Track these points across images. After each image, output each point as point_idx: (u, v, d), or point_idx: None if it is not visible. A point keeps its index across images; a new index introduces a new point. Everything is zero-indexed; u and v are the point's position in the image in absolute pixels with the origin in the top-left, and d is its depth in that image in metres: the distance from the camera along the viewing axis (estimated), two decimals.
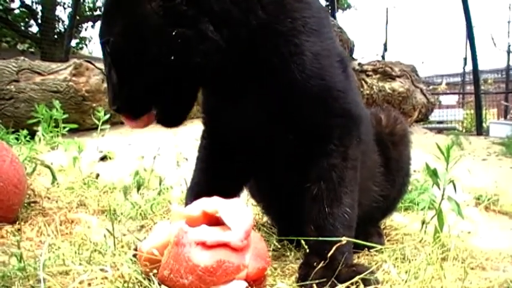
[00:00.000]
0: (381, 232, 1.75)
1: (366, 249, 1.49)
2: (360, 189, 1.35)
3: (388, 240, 1.75)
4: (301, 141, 1.31)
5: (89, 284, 1.08)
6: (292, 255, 1.43)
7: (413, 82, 7.01)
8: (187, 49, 1.14)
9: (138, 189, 2.27)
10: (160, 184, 2.31)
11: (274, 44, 1.21)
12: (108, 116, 3.49)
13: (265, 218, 1.88)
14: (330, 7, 9.47)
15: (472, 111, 11.08)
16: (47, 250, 1.25)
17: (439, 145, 1.70)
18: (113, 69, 1.20)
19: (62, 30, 12.05)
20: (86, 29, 14.09)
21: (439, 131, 9.26)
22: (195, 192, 1.43)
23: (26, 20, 13.22)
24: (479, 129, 8.69)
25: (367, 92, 6.29)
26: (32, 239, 1.52)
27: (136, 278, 1.09)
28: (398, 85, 6.70)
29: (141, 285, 1.09)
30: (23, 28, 12.90)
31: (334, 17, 8.48)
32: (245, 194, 1.72)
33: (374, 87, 6.41)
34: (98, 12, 13.24)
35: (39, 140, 3.29)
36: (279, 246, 1.53)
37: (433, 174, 1.68)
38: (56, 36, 11.17)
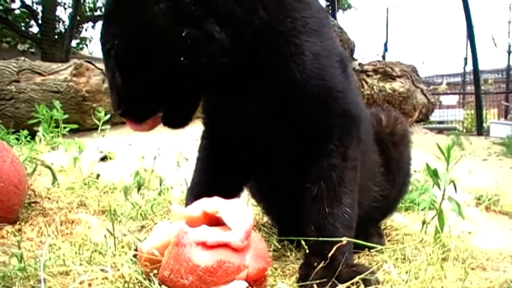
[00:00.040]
0: (381, 232, 1.75)
1: (367, 249, 1.49)
2: (360, 189, 1.35)
3: (388, 241, 1.75)
4: (301, 141, 1.31)
5: (90, 285, 1.08)
6: (292, 256, 1.43)
7: (414, 82, 7.01)
8: (195, 50, 1.13)
9: (139, 189, 2.27)
10: (160, 184, 2.31)
11: (275, 43, 1.21)
12: (108, 116, 3.49)
13: (265, 218, 1.88)
14: (330, 7, 9.48)
15: (473, 112, 11.08)
16: (47, 250, 1.25)
17: (440, 145, 1.70)
18: (118, 73, 1.18)
19: (63, 30, 12.06)
20: (86, 30, 14.12)
21: (440, 131, 9.26)
22: (195, 192, 1.43)
23: (27, 20, 13.23)
24: (480, 129, 8.69)
25: (368, 92, 6.29)
26: (32, 239, 1.52)
27: (137, 279, 1.09)
28: (398, 85, 6.70)
29: (141, 286, 1.09)
30: (23, 28, 12.91)
31: (335, 17, 8.49)
32: (245, 194, 1.72)
33: (374, 87, 6.41)
34: (98, 13, 13.25)
35: (40, 140, 3.29)
36: (280, 247, 1.53)
37: (434, 174, 1.68)
38: (56, 37, 11.18)
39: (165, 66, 1.14)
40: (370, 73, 6.55)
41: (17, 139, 3.31)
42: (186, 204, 1.42)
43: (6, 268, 1.16)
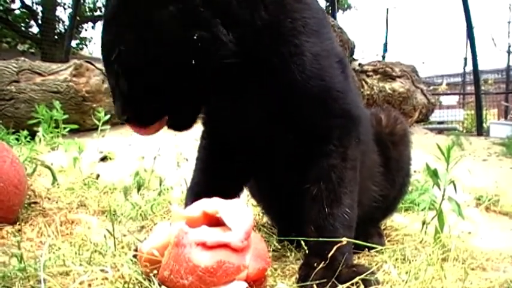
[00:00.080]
0: (381, 233, 1.75)
1: (367, 249, 1.49)
2: (360, 188, 1.36)
3: (388, 241, 1.75)
4: (301, 141, 1.31)
5: (89, 285, 1.08)
6: (292, 256, 1.43)
7: (414, 82, 7.02)
8: (206, 52, 1.12)
9: (139, 189, 2.27)
10: (160, 185, 2.31)
11: (275, 44, 1.21)
12: (108, 116, 3.49)
13: (265, 219, 1.88)
14: (330, 7, 9.48)
15: (473, 112, 11.08)
16: (47, 251, 1.25)
17: (440, 145, 1.70)
18: (123, 78, 1.16)
19: (62, 30, 12.07)
20: (86, 30, 14.13)
21: (440, 131, 9.26)
22: (195, 192, 1.43)
23: (27, 20, 13.23)
24: (480, 129, 8.69)
25: (368, 92, 6.29)
26: (32, 239, 1.52)
27: (137, 279, 1.09)
28: (398, 85, 6.70)
29: (141, 286, 1.08)
30: (23, 29, 12.91)
31: (335, 18, 8.48)
32: (245, 194, 1.72)
33: (374, 87, 6.41)
34: (98, 13, 13.25)
35: (40, 140, 3.29)
36: (279, 247, 1.53)
37: (434, 174, 1.68)
38: (56, 37, 11.18)
39: (175, 70, 1.12)
40: (370, 73, 6.56)
41: (17, 139, 3.31)
42: (186, 205, 1.42)
43: (6, 268, 1.16)
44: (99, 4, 13.33)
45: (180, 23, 1.10)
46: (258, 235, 1.19)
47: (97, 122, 3.50)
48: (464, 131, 10.83)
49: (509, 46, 14.88)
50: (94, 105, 4.44)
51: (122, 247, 1.41)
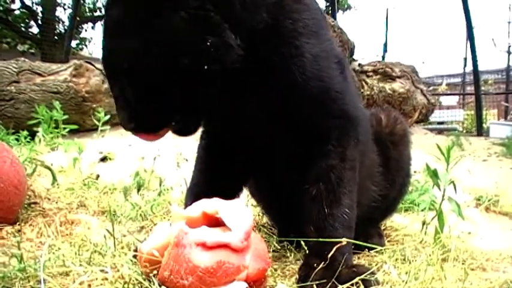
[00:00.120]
0: (381, 233, 1.75)
1: (366, 250, 1.49)
2: (359, 188, 1.36)
3: (388, 241, 1.75)
4: (300, 141, 1.31)
5: (89, 285, 1.08)
6: (292, 256, 1.43)
7: (414, 83, 7.02)
8: (218, 58, 1.11)
9: (138, 190, 2.27)
10: (160, 185, 2.31)
11: (276, 45, 1.21)
12: (108, 117, 3.50)
13: (265, 219, 1.88)
14: (330, 8, 9.49)
15: (473, 112, 11.09)
16: (47, 251, 1.25)
17: (440, 146, 1.70)
18: (129, 87, 1.13)
19: (62, 31, 12.07)
20: (86, 30, 14.15)
21: (440, 131, 9.26)
22: (195, 193, 1.43)
23: (26, 21, 13.24)
24: (480, 129, 8.70)
25: (368, 92, 6.30)
26: (32, 239, 1.52)
27: (137, 279, 1.09)
28: (398, 86, 6.70)
29: (141, 286, 1.08)
30: (23, 29, 12.92)
31: (335, 18, 8.49)
32: (245, 194, 1.72)
33: (374, 87, 6.41)
34: (98, 13, 13.26)
35: (40, 141, 3.30)
36: (279, 247, 1.53)
37: (434, 175, 1.68)
38: (56, 37, 11.18)
39: (186, 77, 1.10)
40: (370, 74, 6.56)
41: (17, 140, 3.31)
42: (185, 205, 1.42)
43: (6, 269, 1.16)
44: (99, 4, 13.35)
45: (192, 29, 1.08)
46: (258, 235, 1.19)
47: (97, 123, 3.50)
48: (464, 131, 10.83)
49: (509, 46, 14.89)
50: (94, 105, 4.44)
51: (122, 247, 1.41)
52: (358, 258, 1.49)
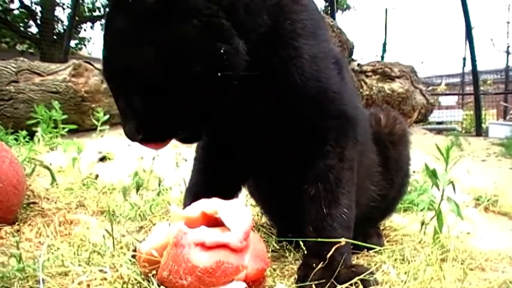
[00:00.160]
0: (380, 233, 1.75)
1: (366, 250, 1.49)
2: (358, 188, 1.36)
3: (387, 241, 1.75)
4: (300, 141, 1.31)
5: (88, 285, 1.08)
6: (291, 256, 1.43)
7: (413, 83, 7.01)
8: (229, 65, 1.10)
9: (137, 190, 2.27)
10: (159, 185, 2.31)
11: (275, 46, 1.21)
12: (107, 116, 3.50)
13: (264, 219, 1.88)
14: (329, 8, 9.49)
15: (472, 112, 11.08)
16: (46, 251, 1.25)
17: (439, 146, 1.70)
18: (137, 98, 1.10)
19: (61, 30, 12.07)
20: (85, 30, 14.16)
21: (439, 131, 9.26)
22: (193, 192, 1.43)
23: (25, 20, 13.23)
24: (479, 130, 8.70)
25: (367, 92, 6.30)
26: (31, 239, 1.52)
27: (136, 279, 1.09)
28: (397, 86, 6.70)
29: (140, 286, 1.08)
30: (22, 29, 12.91)
31: (334, 18, 8.48)
32: (244, 194, 1.72)
33: (373, 87, 6.42)
34: (97, 13, 13.27)
35: (39, 140, 3.29)
36: (278, 247, 1.53)
37: (433, 175, 1.68)
38: (55, 37, 11.16)
39: (199, 85, 1.09)
40: (369, 74, 6.56)
41: (16, 139, 3.31)
42: (184, 205, 1.42)
43: (5, 269, 1.16)
44: (98, 4, 13.36)
45: (204, 36, 1.07)
46: (257, 235, 1.19)
47: (96, 122, 3.50)
48: (463, 131, 10.83)
49: (508, 46, 14.90)
50: (93, 105, 4.44)
51: (121, 247, 1.41)
52: (357, 258, 1.49)
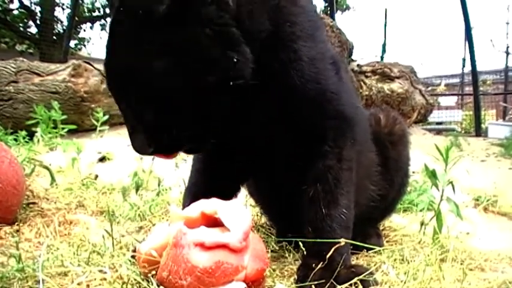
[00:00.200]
0: (379, 233, 1.75)
1: (365, 250, 1.49)
2: (357, 188, 1.36)
3: (387, 241, 1.75)
4: (299, 142, 1.31)
5: (88, 285, 1.08)
6: (291, 257, 1.43)
7: (412, 83, 7.02)
8: (239, 74, 1.10)
9: (137, 190, 2.26)
10: (159, 185, 2.31)
11: (275, 49, 1.21)
12: (106, 117, 3.49)
13: (264, 219, 1.88)
14: (329, 8, 9.49)
15: (471, 112, 11.09)
16: (45, 251, 1.25)
17: (438, 146, 1.70)
18: (149, 111, 1.08)
19: (61, 31, 12.08)
20: (84, 30, 14.17)
21: (438, 132, 9.26)
22: (193, 193, 1.43)
23: (25, 20, 13.24)
24: (478, 130, 8.70)
25: (366, 93, 6.30)
26: (30, 240, 1.52)
27: (135, 279, 1.09)
28: (397, 86, 6.70)
29: (139, 287, 1.08)
30: (21, 29, 12.92)
31: (333, 18, 8.48)
32: (244, 194, 1.72)
33: (373, 88, 6.42)
34: (96, 14, 13.27)
35: (38, 141, 3.29)
36: (278, 248, 1.53)
37: (432, 175, 1.68)
38: (54, 37, 11.18)
39: (213, 95, 1.09)
40: (369, 74, 6.56)
41: (15, 140, 3.31)
42: (184, 205, 1.42)
43: (4, 269, 1.16)
44: (97, 5, 13.35)
45: (217, 45, 1.06)
46: (256, 235, 1.19)
47: (95, 123, 3.50)
48: (463, 131, 10.84)
49: (508, 47, 14.88)
50: (92, 105, 4.44)
51: (121, 248, 1.41)
52: (357, 258, 1.49)
